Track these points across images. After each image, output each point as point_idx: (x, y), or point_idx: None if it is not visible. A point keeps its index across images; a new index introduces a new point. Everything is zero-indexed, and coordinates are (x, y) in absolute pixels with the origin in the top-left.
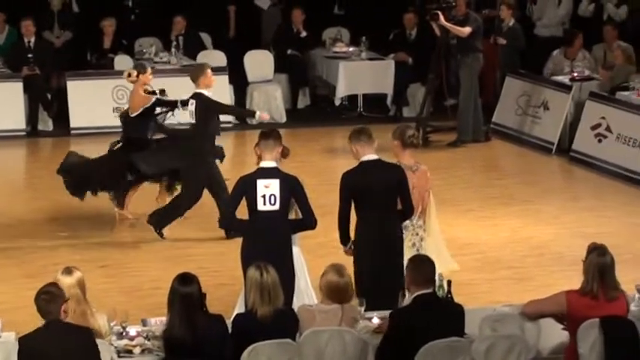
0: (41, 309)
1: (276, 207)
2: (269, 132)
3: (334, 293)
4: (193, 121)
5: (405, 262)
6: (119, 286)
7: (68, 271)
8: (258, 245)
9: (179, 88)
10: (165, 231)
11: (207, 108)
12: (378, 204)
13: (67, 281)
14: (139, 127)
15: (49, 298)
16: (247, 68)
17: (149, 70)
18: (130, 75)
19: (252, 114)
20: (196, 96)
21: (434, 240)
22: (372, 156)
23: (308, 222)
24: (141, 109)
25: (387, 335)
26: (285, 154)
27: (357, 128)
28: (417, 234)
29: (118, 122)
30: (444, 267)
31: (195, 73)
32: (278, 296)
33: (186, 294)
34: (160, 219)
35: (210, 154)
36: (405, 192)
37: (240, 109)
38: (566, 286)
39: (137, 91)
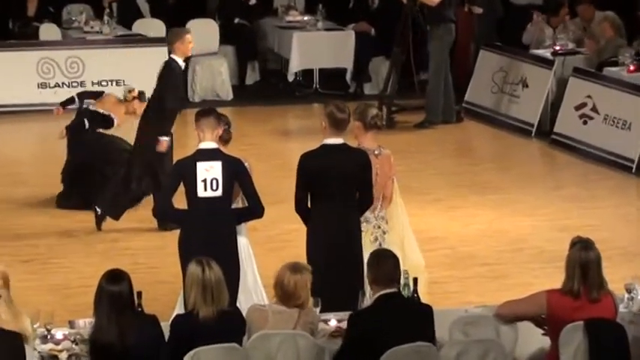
0: None
1: (219, 193)
2: (208, 109)
3: (288, 297)
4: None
5: (366, 258)
6: (44, 283)
7: None
8: (199, 237)
9: (114, 63)
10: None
11: (168, 77)
12: (337, 192)
13: None
14: None
15: None
16: None
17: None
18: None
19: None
20: (165, 63)
21: (398, 233)
22: (337, 140)
23: (254, 209)
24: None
25: (346, 340)
26: (225, 138)
27: (337, 104)
28: (379, 227)
29: (43, 99)
30: (410, 263)
31: (171, 37)
32: (222, 295)
33: (114, 293)
34: None
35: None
36: (367, 180)
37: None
38: (547, 285)
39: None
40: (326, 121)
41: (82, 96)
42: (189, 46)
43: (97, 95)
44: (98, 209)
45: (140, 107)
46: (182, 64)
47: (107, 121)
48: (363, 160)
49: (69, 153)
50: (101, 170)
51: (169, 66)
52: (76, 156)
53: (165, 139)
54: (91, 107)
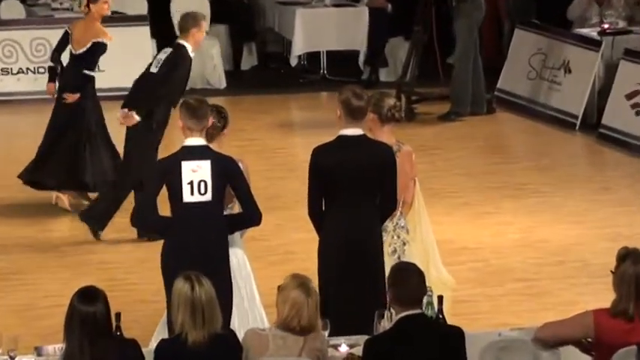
0: None
1: (208, 197)
2: (196, 99)
3: (293, 319)
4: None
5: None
6: (5, 303)
7: None
8: (185, 249)
9: None
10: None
11: (175, 65)
12: (354, 194)
13: None
14: None
15: None
16: (175, 17)
17: None
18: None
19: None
20: (177, 46)
21: (420, 244)
22: (355, 131)
23: (250, 216)
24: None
25: None
26: (212, 134)
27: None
28: (399, 236)
29: (5, 87)
30: (434, 279)
31: (187, 21)
32: (214, 316)
33: (87, 314)
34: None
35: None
36: (391, 180)
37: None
38: (593, 304)
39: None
40: (341, 109)
41: (55, 55)
42: (203, 35)
43: (65, 40)
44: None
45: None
46: (192, 54)
47: (95, 50)
48: (387, 156)
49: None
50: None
51: (181, 52)
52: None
53: (136, 116)
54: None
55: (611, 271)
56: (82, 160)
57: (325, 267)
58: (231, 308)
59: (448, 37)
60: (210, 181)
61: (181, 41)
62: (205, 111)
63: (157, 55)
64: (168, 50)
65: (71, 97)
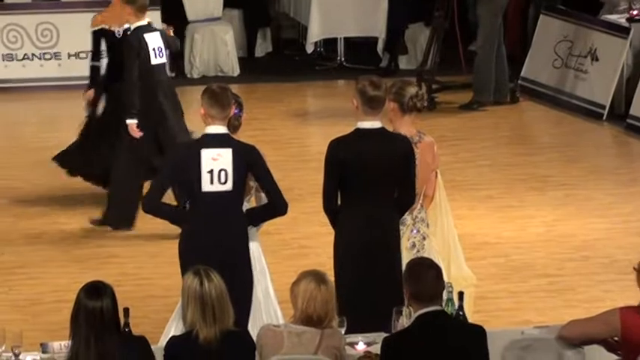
0: None
1: (228, 186)
2: (219, 86)
3: (309, 315)
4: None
5: (403, 269)
6: (9, 298)
7: None
8: (203, 239)
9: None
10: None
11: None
12: (373, 188)
13: None
14: None
15: None
16: (186, 2)
17: None
18: None
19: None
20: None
21: (441, 238)
22: (374, 123)
23: (277, 205)
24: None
25: None
26: (234, 124)
27: (371, 78)
28: (419, 231)
29: (9, 74)
30: (454, 274)
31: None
32: (225, 313)
33: (94, 310)
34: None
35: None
36: (410, 174)
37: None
38: (620, 301)
39: None
40: (358, 99)
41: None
42: (129, 11)
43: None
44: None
45: None
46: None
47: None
48: (406, 149)
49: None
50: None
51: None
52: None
53: (133, 121)
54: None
55: (634, 268)
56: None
57: (341, 263)
58: (251, 302)
59: (470, 23)
60: (231, 171)
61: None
62: (228, 99)
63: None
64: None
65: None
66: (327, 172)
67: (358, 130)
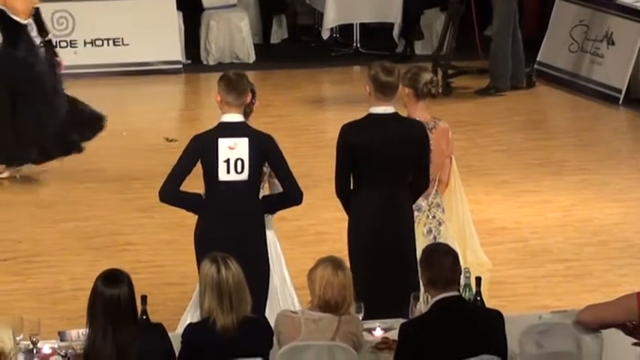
0: None
1: (244, 176)
2: (236, 73)
3: (327, 301)
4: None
5: (419, 255)
6: (27, 286)
7: None
8: (219, 229)
9: (110, 18)
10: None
11: None
12: (386, 173)
13: None
14: None
15: None
16: None
17: None
18: None
19: None
20: None
21: (457, 224)
22: (386, 108)
23: (292, 194)
24: None
25: (397, 354)
26: (246, 111)
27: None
28: (434, 216)
29: None
30: (471, 260)
31: None
32: (243, 300)
33: (112, 297)
34: None
35: None
36: (424, 159)
37: None
38: (637, 286)
39: None
40: (370, 84)
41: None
42: None
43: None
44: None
45: None
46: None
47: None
48: (420, 134)
49: None
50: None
51: None
52: None
53: None
54: None
55: None
56: None
57: (356, 249)
58: (267, 290)
59: (486, 8)
60: (247, 160)
61: None
62: (244, 86)
63: None
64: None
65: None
66: (339, 157)
67: (370, 115)
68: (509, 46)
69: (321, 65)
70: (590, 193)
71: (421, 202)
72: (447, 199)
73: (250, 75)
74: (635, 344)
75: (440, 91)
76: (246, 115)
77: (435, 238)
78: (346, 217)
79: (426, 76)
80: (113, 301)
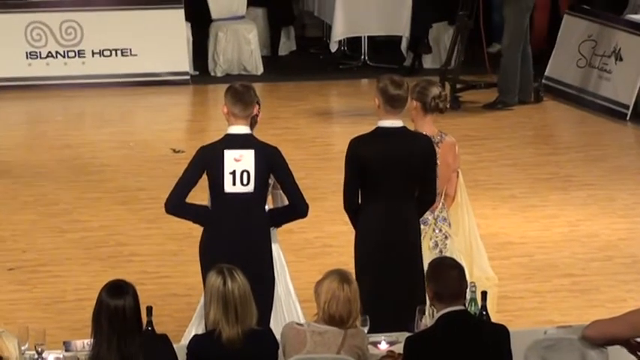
0: None
1: (250, 188)
2: (242, 85)
3: (333, 314)
4: None
5: (425, 268)
6: (32, 295)
7: None
8: (224, 241)
9: (119, 28)
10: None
11: None
12: (393, 187)
13: None
14: None
15: None
16: (210, 0)
17: None
18: None
19: None
20: None
21: (463, 238)
22: (394, 122)
23: (298, 208)
24: None
25: None
26: (251, 122)
27: (393, 77)
28: (440, 230)
29: (33, 72)
30: (477, 274)
31: None
32: (249, 312)
33: (116, 308)
34: None
35: None
36: (431, 173)
37: None
38: None
39: None
40: (379, 97)
41: None
42: None
43: None
44: None
45: None
46: None
47: None
48: (427, 149)
49: None
50: None
51: None
52: None
53: None
54: None
55: None
56: None
57: (362, 262)
58: (272, 302)
59: (495, 23)
60: (253, 172)
61: None
62: (251, 97)
63: None
64: None
65: None
66: (347, 171)
67: (379, 129)
68: (519, 61)
69: (328, 78)
70: (597, 208)
71: (428, 215)
72: (454, 213)
73: (258, 87)
74: None
75: (448, 106)
76: (251, 126)
77: (441, 251)
78: (351, 229)
79: (435, 91)
80: (118, 312)
